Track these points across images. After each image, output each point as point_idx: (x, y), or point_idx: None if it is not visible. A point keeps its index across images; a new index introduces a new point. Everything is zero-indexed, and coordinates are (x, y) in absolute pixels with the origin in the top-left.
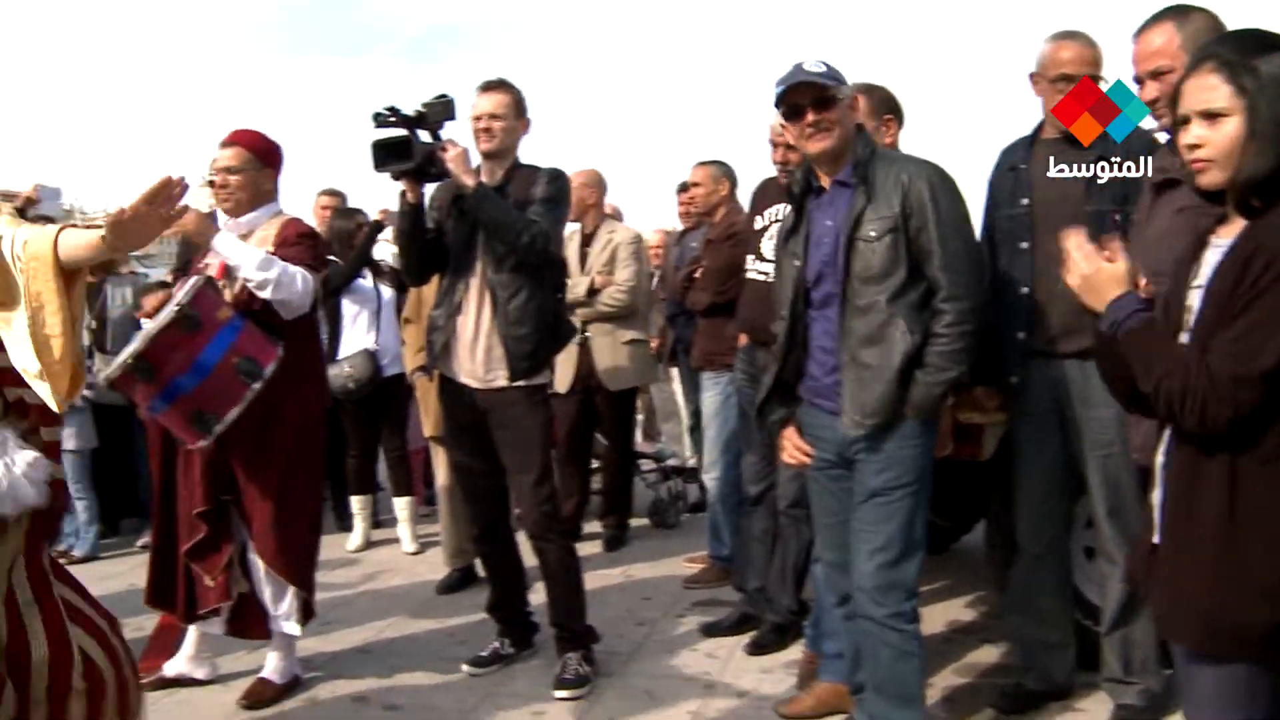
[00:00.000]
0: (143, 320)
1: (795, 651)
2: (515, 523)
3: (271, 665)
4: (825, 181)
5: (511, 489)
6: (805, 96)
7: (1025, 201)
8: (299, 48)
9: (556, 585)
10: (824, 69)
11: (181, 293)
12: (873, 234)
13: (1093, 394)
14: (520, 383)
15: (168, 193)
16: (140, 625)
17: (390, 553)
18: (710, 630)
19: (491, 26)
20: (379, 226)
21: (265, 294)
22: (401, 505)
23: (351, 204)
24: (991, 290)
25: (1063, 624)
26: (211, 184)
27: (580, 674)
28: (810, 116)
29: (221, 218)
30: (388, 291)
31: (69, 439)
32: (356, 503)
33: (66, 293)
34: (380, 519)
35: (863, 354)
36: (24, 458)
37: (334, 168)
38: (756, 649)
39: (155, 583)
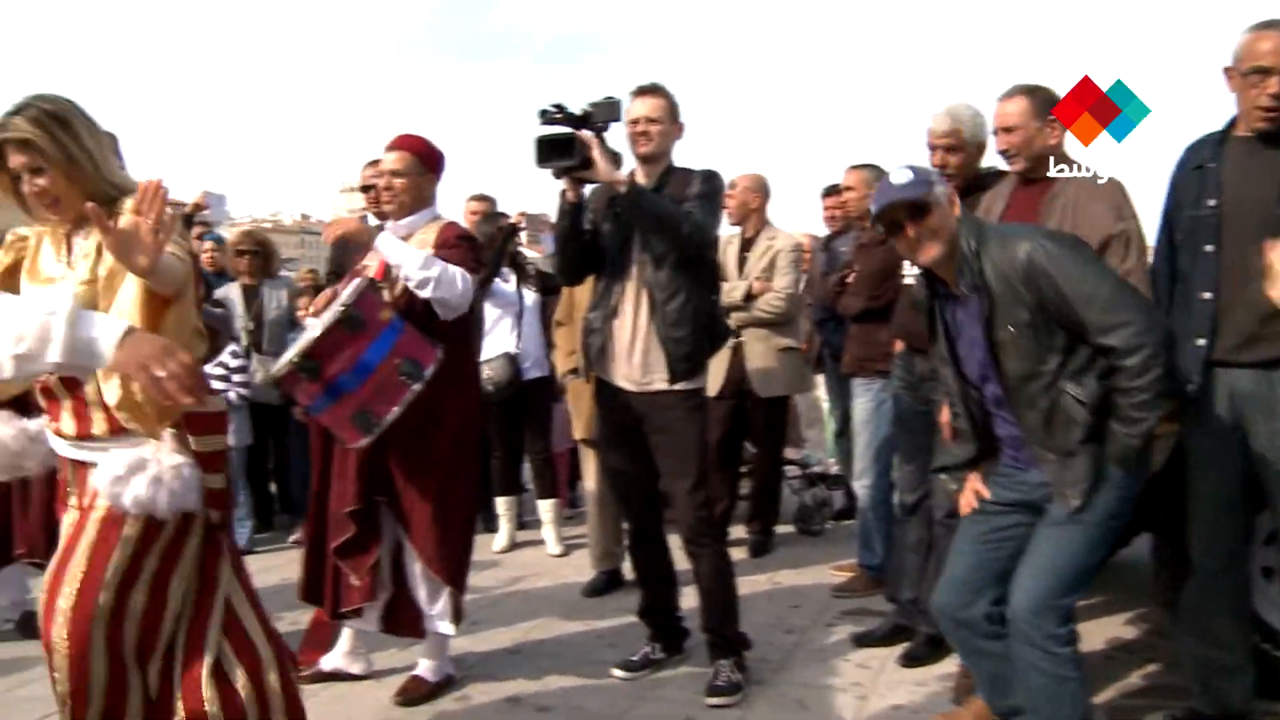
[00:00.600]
0: (306, 320)
1: (950, 665)
2: (668, 526)
3: (425, 664)
4: (950, 283)
5: (667, 494)
6: (900, 212)
7: (1213, 202)
8: (433, 53)
9: (710, 591)
10: (910, 178)
11: (345, 293)
12: (1011, 329)
13: (1278, 405)
14: (678, 386)
15: (152, 198)
16: (295, 620)
17: (535, 554)
18: (862, 640)
19: (624, 32)
20: (514, 230)
21: (425, 293)
22: (546, 507)
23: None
24: (1169, 294)
25: (1240, 646)
26: (365, 190)
27: (733, 681)
28: (910, 231)
29: (372, 220)
30: (530, 295)
31: (229, 434)
32: (501, 504)
33: (154, 323)
34: (523, 520)
35: (1051, 442)
36: (170, 461)
37: (469, 171)
38: (910, 661)
39: (308, 578)
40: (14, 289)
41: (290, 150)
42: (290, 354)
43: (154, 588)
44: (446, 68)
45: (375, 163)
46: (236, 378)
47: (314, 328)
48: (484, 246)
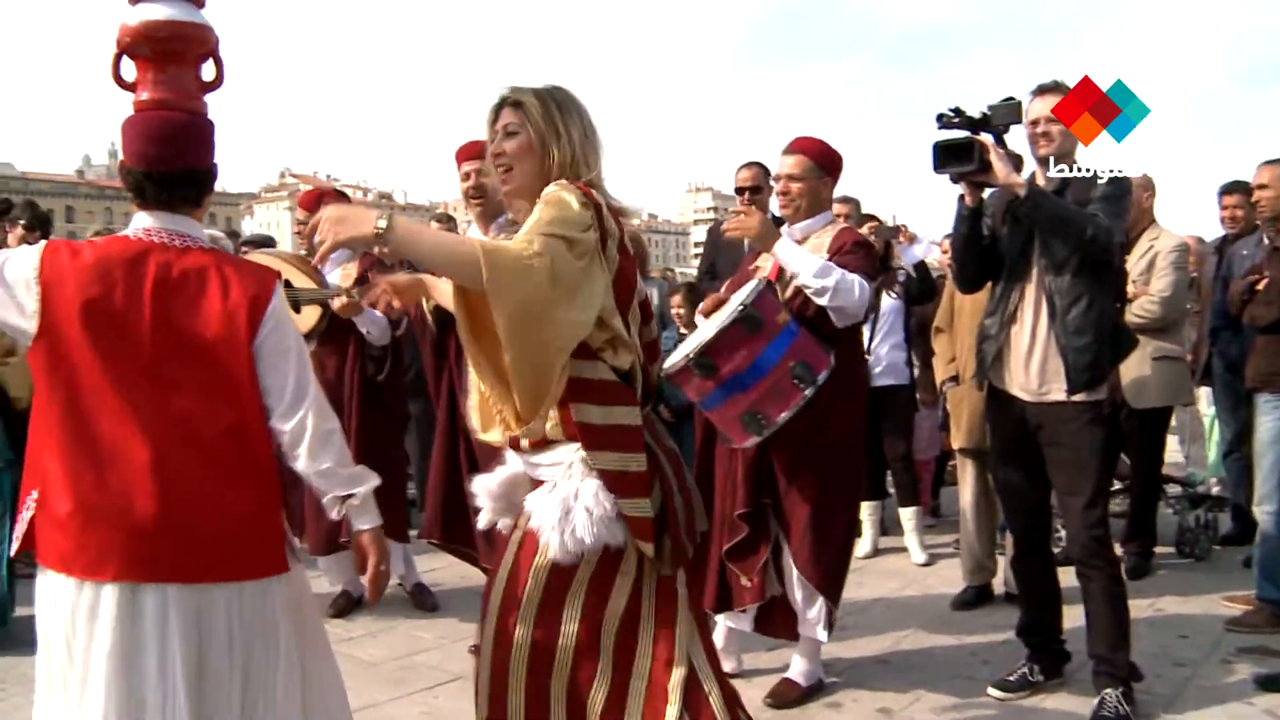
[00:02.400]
0: (697, 318)
1: None
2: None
3: (797, 667)
4: None
5: (1060, 510)
6: None
7: None
8: (769, 56)
9: (1100, 615)
10: None
11: (744, 293)
12: None
13: None
14: (1078, 397)
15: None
16: None
17: (899, 562)
18: (1268, 683)
19: (981, 25)
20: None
21: (823, 300)
22: (908, 515)
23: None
24: None
25: None
26: (739, 191)
27: (1120, 713)
28: None
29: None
30: (889, 301)
31: None
32: (865, 509)
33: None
34: (884, 526)
35: None
36: (586, 490)
37: None
38: None
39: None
40: None
41: (637, 151)
42: (687, 350)
43: (584, 623)
44: (789, 67)
45: (750, 165)
46: None
47: (710, 326)
48: None
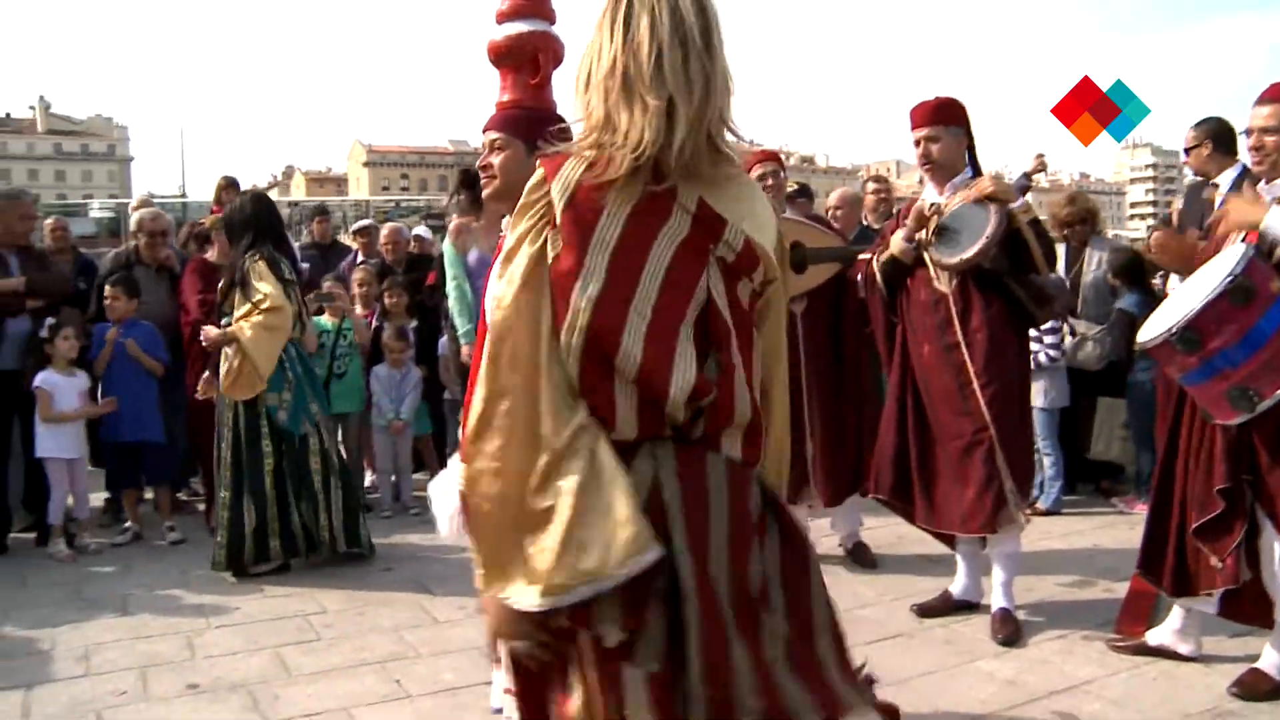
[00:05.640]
0: (1171, 287)
1: None
2: None
3: (1270, 659)
4: None
5: None
6: None
7: None
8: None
9: None
10: None
11: (1231, 262)
12: None
13: None
14: None
15: None
16: (1109, 588)
17: None
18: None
19: None
20: None
21: None
22: None
23: None
24: None
25: None
26: (1188, 152)
27: None
28: None
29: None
30: None
31: (1039, 395)
32: None
33: None
34: None
35: None
36: None
37: None
38: None
39: (1148, 551)
40: None
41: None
42: (1169, 324)
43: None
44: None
45: (1200, 124)
46: (1048, 339)
47: (1193, 298)
48: None
